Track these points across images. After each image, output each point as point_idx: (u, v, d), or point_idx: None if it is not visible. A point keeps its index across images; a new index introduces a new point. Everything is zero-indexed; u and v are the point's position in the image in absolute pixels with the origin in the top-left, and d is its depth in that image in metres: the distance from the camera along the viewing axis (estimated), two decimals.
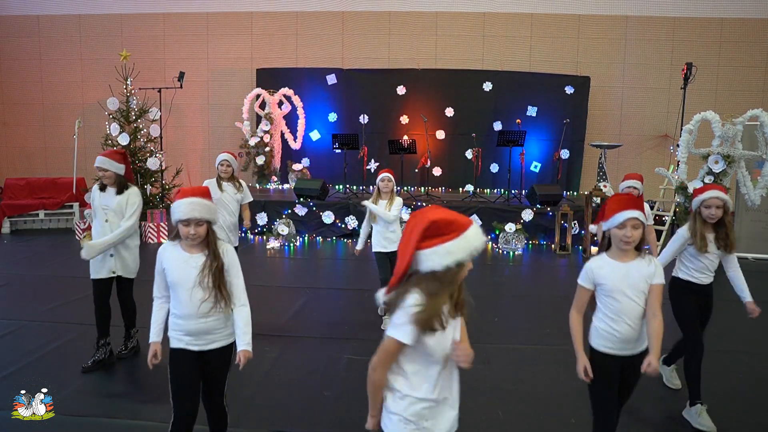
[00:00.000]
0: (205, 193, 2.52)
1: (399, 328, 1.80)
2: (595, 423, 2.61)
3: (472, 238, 1.77)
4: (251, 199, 5.13)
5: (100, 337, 3.85)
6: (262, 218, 8.65)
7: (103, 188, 3.91)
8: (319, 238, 8.63)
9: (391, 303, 1.84)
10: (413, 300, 1.76)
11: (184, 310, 2.45)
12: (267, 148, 10.55)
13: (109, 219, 3.85)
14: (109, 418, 3.11)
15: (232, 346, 2.57)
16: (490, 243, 8.28)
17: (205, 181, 4.72)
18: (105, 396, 3.37)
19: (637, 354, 2.49)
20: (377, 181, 4.88)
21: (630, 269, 2.52)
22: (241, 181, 5.12)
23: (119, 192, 3.89)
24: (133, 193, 3.93)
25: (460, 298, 1.89)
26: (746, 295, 3.36)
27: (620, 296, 2.48)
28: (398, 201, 4.82)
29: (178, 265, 2.46)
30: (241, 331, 2.51)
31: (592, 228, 4.80)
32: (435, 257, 1.73)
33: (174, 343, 2.51)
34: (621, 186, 4.70)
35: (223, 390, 2.64)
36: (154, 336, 2.55)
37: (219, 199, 4.77)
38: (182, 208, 2.41)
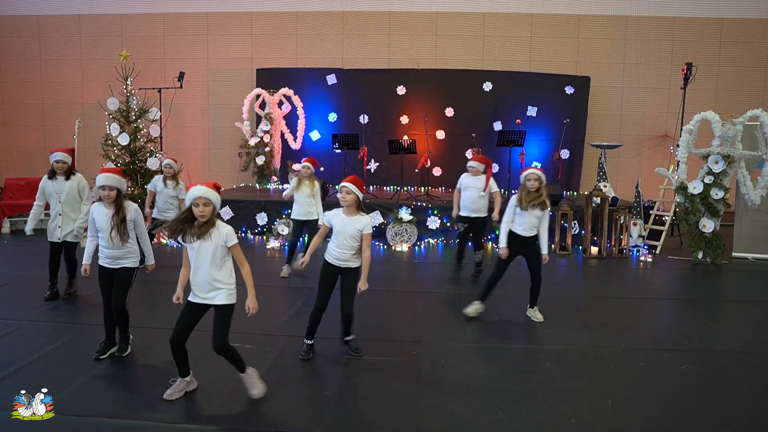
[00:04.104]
0: (118, 171, 3.82)
1: None
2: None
3: None
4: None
5: (51, 278, 5.32)
6: (262, 218, 8.65)
7: (52, 176, 5.11)
8: None
9: None
10: None
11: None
12: (267, 148, 10.55)
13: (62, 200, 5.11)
14: (109, 418, 3.11)
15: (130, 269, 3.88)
16: (490, 243, 8.28)
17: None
18: (105, 396, 3.37)
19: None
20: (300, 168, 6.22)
21: (347, 222, 3.83)
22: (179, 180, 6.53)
23: (67, 178, 5.14)
24: (81, 179, 5.23)
25: None
26: (544, 247, 4.72)
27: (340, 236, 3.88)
28: (317, 185, 6.20)
29: (101, 217, 3.77)
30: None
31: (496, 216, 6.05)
32: None
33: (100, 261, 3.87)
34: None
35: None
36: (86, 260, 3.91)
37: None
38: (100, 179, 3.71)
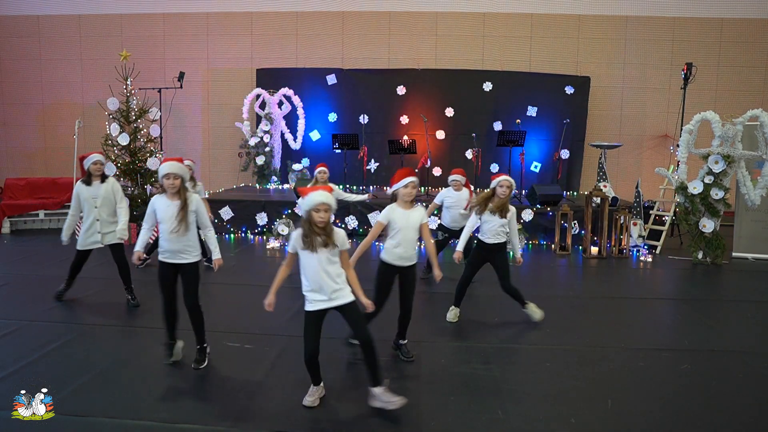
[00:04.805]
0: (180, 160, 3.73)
1: None
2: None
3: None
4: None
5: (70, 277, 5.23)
6: (262, 218, 8.65)
7: (88, 182, 5.02)
8: None
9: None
10: None
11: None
12: (267, 148, 10.56)
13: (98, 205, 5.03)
14: (109, 418, 3.11)
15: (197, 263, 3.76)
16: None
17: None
18: (105, 396, 3.37)
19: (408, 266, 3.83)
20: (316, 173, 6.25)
21: (409, 215, 3.75)
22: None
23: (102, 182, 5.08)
24: (115, 181, 5.18)
25: None
26: (517, 251, 4.83)
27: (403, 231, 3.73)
28: (335, 188, 5.88)
29: (164, 208, 3.66)
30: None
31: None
32: None
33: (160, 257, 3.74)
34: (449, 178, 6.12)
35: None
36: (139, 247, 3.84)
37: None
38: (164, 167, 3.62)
